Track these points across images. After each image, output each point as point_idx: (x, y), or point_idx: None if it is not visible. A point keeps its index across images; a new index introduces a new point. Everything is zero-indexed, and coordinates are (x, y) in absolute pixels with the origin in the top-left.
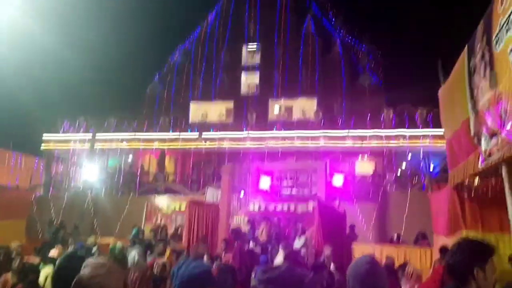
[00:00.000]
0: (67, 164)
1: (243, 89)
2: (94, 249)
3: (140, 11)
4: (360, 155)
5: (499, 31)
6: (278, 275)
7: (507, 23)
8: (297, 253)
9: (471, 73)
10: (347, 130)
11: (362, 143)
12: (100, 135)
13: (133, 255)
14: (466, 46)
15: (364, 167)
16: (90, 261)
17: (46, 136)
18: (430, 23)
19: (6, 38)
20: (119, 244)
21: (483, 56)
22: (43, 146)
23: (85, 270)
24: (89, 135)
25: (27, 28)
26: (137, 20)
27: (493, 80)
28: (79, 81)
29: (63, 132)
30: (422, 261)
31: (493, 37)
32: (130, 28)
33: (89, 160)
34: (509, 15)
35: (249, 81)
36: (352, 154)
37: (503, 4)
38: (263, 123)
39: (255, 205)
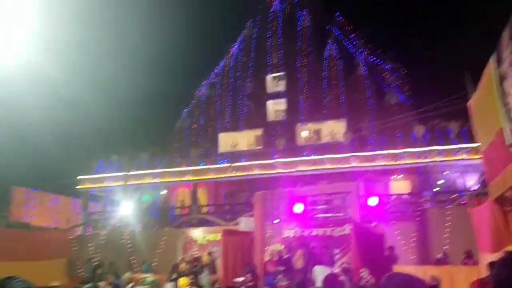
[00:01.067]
0: (103, 202)
1: (270, 116)
2: (130, 285)
3: (165, 49)
4: (394, 174)
5: None
6: None
7: None
8: (336, 276)
9: (500, 81)
10: (378, 150)
11: (395, 162)
12: (133, 172)
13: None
14: (493, 54)
15: (399, 186)
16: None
17: (81, 177)
18: (454, 36)
19: (25, 79)
20: (149, 278)
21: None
22: (79, 187)
23: None
24: (122, 173)
25: (49, 69)
26: (163, 58)
27: None
28: (110, 121)
29: (97, 171)
30: (470, 281)
31: None
32: (157, 65)
33: (124, 197)
34: None
35: (275, 108)
36: (385, 173)
37: None
38: (292, 148)
39: (289, 232)
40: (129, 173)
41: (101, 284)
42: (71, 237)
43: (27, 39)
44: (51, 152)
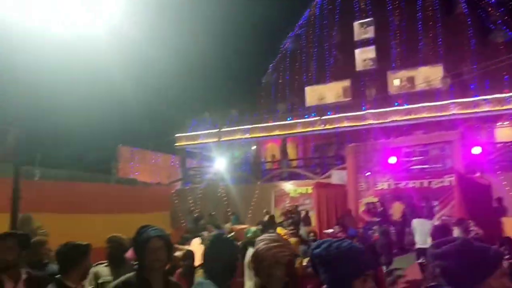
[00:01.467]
0: (199, 159)
1: (359, 65)
2: (231, 235)
3: (250, 4)
4: (500, 121)
5: None
6: (455, 249)
7: None
8: (446, 227)
9: None
10: (481, 96)
11: (501, 107)
12: (224, 129)
13: None
14: None
15: (506, 133)
16: (263, 237)
17: (177, 135)
18: None
19: (116, 47)
20: (253, 228)
21: None
22: (176, 144)
23: (260, 244)
24: (215, 130)
25: (138, 37)
26: (248, 14)
27: None
28: (202, 80)
29: (192, 129)
30: None
31: None
32: (242, 21)
33: (217, 153)
34: None
35: (364, 56)
36: (489, 120)
37: None
38: (384, 98)
39: (384, 184)
40: (221, 130)
41: (204, 233)
42: (172, 191)
43: (115, 6)
44: (150, 114)
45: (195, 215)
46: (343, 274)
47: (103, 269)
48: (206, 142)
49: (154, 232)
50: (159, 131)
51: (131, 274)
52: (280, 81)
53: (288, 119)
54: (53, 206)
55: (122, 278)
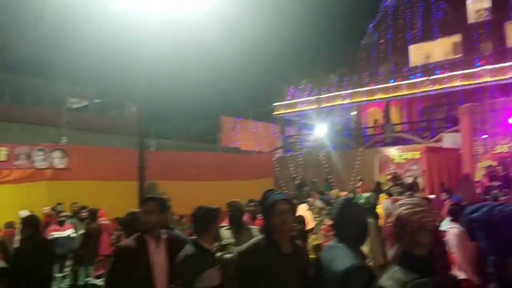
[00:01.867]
0: (298, 126)
1: (471, 17)
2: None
3: None
4: None
5: None
6: None
7: None
8: None
9: None
10: None
11: None
12: (323, 95)
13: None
14: None
15: None
16: (405, 201)
17: (276, 103)
18: None
19: (215, 25)
20: (365, 194)
21: None
22: (275, 113)
23: (401, 209)
24: (313, 97)
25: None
26: None
27: None
28: (298, 46)
29: (290, 97)
30: None
31: None
32: None
33: (316, 120)
34: None
35: (477, 6)
36: None
37: None
38: (501, 52)
39: (503, 147)
40: (319, 97)
41: (310, 200)
42: (273, 159)
43: None
44: (249, 84)
45: (296, 182)
46: (509, 239)
47: (224, 232)
48: (305, 110)
49: (280, 196)
50: (258, 101)
51: (260, 237)
52: (381, 41)
53: (391, 81)
54: (169, 174)
55: (252, 240)
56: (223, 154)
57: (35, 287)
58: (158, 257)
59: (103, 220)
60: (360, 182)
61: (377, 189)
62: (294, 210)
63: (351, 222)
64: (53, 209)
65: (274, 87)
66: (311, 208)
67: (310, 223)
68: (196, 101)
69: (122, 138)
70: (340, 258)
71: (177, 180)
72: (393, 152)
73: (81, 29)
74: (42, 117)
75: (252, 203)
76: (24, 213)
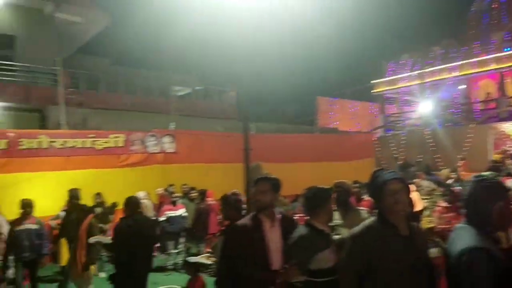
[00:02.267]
0: (398, 104)
1: None
2: (450, 181)
3: None
4: None
5: None
6: None
7: None
8: None
9: None
10: None
11: None
12: (427, 69)
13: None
14: None
15: None
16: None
17: (375, 81)
18: None
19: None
20: (485, 173)
21: None
22: (374, 91)
23: None
24: (416, 72)
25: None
26: None
27: None
28: (397, 16)
29: (390, 74)
30: None
31: None
32: None
33: (420, 96)
34: None
35: None
36: None
37: None
38: None
39: None
40: (423, 71)
41: (416, 180)
42: (373, 139)
43: None
44: (344, 63)
45: (398, 163)
46: None
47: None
48: (407, 86)
49: (391, 175)
50: (356, 79)
51: (373, 218)
52: (494, 5)
53: (507, 49)
54: (269, 156)
55: (366, 222)
56: (322, 135)
57: (137, 262)
58: (273, 236)
59: (211, 201)
60: (462, 161)
61: (494, 168)
62: (408, 189)
63: (481, 202)
64: (166, 190)
65: (372, 64)
66: (418, 189)
67: (418, 205)
68: (292, 82)
69: (223, 122)
70: (460, 239)
71: (278, 162)
72: (509, 127)
73: (182, 21)
74: (152, 105)
75: (357, 184)
76: (142, 194)
